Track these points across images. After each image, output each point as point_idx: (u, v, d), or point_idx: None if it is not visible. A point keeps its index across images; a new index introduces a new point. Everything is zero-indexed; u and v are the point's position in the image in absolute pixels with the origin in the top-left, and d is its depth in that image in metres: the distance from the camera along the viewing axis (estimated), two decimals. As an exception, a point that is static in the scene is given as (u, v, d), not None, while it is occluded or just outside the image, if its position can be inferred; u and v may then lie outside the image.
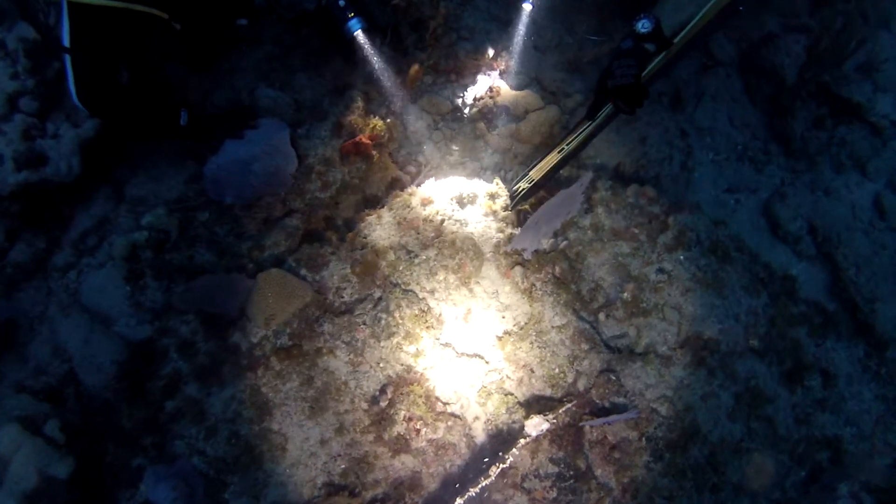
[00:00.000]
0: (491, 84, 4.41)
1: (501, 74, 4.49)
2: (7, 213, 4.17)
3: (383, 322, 3.57)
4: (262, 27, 4.38)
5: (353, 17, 3.83)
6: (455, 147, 4.40)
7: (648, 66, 3.63)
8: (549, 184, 4.04)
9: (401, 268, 3.71)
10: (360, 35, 3.89)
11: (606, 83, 3.46)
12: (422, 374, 3.48)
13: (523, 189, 3.97)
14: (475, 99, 4.43)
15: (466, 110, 4.43)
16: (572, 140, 3.95)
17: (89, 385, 3.94)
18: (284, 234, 3.96)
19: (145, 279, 4.00)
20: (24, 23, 4.05)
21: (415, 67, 4.24)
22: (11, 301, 4.25)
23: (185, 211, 4.13)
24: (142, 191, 4.21)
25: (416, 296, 3.63)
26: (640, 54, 3.41)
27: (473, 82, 4.47)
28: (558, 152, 3.99)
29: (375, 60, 4.08)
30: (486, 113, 4.39)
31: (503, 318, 3.66)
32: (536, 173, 3.99)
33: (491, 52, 4.43)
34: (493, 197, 4.00)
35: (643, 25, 3.34)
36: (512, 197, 4.02)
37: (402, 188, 4.20)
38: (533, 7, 4.20)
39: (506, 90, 4.38)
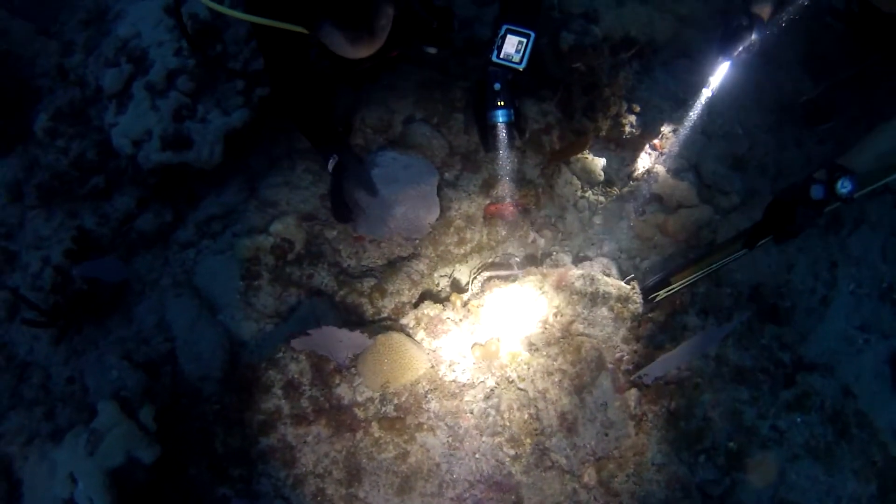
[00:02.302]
0: (650, 166, 4.14)
1: (661, 155, 4.20)
2: (143, 184, 4.11)
3: (491, 419, 3.53)
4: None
5: (501, 107, 3.54)
6: (597, 221, 4.20)
7: None
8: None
9: (520, 359, 3.62)
10: (501, 128, 3.61)
11: (783, 224, 3.23)
12: (517, 483, 3.43)
13: (660, 297, 3.78)
14: (629, 177, 4.18)
15: (618, 186, 4.18)
16: (720, 261, 3.73)
17: (186, 371, 3.99)
18: (409, 282, 3.88)
19: (261, 282, 3.98)
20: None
21: (585, 140, 3.99)
22: (129, 264, 4.23)
23: (313, 225, 4.00)
24: (275, 194, 4.15)
25: (528, 395, 3.56)
26: (823, 208, 3.13)
27: (632, 159, 4.22)
28: (703, 268, 3.77)
29: (507, 158, 3.90)
30: (637, 195, 4.18)
31: (606, 435, 3.57)
32: (675, 280, 3.79)
33: (659, 131, 4.13)
34: (625, 301, 3.82)
35: (843, 185, 3.05)
36: (644, 294, 3.83)
37: (534, 257, 4.02)
38: (713, 94, 3.84)
39: (663, 177, 4.15)
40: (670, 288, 3.75)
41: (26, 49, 4.77)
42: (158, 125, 3.95)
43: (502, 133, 3.66)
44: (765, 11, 3.52)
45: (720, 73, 3.68)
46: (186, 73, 4.03)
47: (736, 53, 3.53)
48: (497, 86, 3.51)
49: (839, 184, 3.00)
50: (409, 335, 3.72)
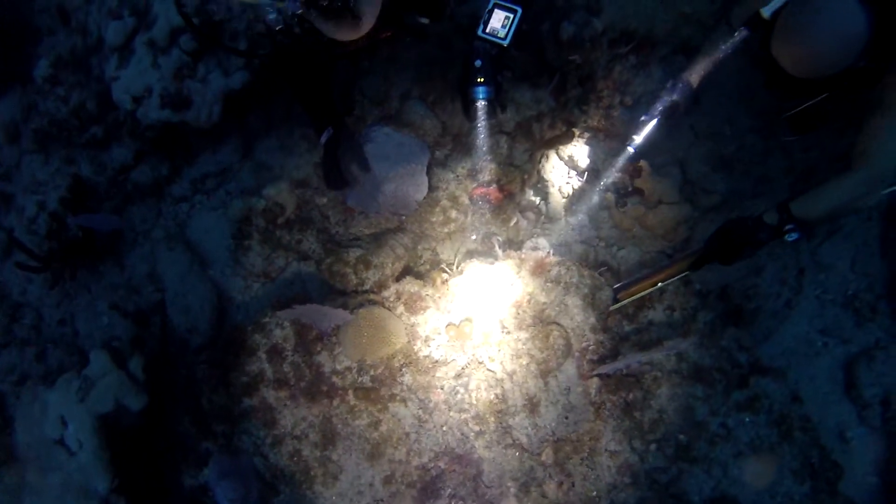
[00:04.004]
0: (635, 160, 4.50)
1: (648, 149, 4.56)
2: (141, 137, 4.44)
3: (459, 396, 3.99)
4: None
5: (482, 83, 3.76)
6: (580, 208, 4.59)
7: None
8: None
9: (491, 340, 4.06)
10: (480, 104, 3.87)
11: (728, 255, 3.73)
12: (479, 456, 3.93)
13: (612, 308, 4.27)
14: (614, 168, 4.55)
15: (603, 176, 4.56)
16: (666, 280, 4.19)
17: (175, 322, 4.42)
18: (393, 256, 4.28)
19: (251, 242, 4.37)
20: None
21: (574, 131, 4.36)
22: (123, 214, 4.61)
23: (305, 191, 4.39)
24: (270, 158, 4.52)
25: (496, 376, 4.02)
26: (763, 247, 3.63)
27: (620, 150, 4.55)
28: (651, 285, 4.23)
29: (485, 135, 4.18)
30: (620, 187, 4.53)
31: (566, 419, 4.06)
32: (623, 297, 4.27)
33: (648, 126, 4.45)
34: (596, 290, 4.25)
35: (790, 236, 3.49)
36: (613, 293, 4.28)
37: (515, 241, 4.43)
38: (635, 151, 4.15)
39: (647, 172, 4.51)
40: (620, 304, 4.23)
41: (25, -17, 5.03)
42: (159, 83, 4.26)
43: (481, 109, 3.92)
44: (693, 77, 3.86)
45: (643, 132, 4.02)
46: (189, 31, 4.29)
47: (657, 113, 3.88)
48: (478, 62, 3.72)
49: (787, 236, 3.46)
50: (389, 309, 4.14)
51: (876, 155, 3.36)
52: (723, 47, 3.57)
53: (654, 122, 3.94)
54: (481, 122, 4.01)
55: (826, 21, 2.97)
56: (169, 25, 4.26)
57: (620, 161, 4.19)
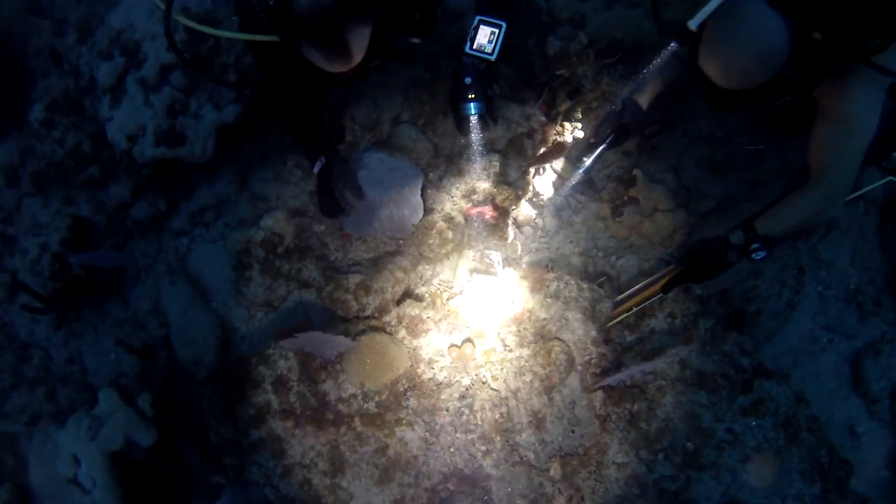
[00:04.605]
0: (629, 169, 4.55)
1: (641, 157, 4.61)
2: (137, 175, 4.51)
3: (465, 417, 4.04)
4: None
5: (472, 100, 3.83)
6: (576, 220, 4.64)
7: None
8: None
9: (493, 359, 4.11)
10: (472, 119, 3.94)
11: (699, 277, 3.84)
12: (487, 475, 3.98)
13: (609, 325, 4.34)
14: (609, 178, 4.60)
15: (598, 185, 4.60)
16: (643, 303, 4.31)
17: (180, 355, 4.48)
18: (393, 280, 4.33)
19: (252, 272, 4.42)
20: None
21: (565, 146, 4.42)
22: (124, 250, 4.68)
23: (302, 220, 4.45)
24: (266, 189, 4.56)
25: (500, 395, 4.06)
26: (731, 266, 3.70)
27: (613, 160, 4.60)
28: (627, 310, 4.34)
29: (479, 149, 4.28)
30: (615, 197, 4.58)
31: (572, 432, 4.10)
32: (613, 316, 4.36)
33: (598, 150, 4.46)
34: (596, 302, 4.30)
35: (757, 255, 3.56)
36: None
37: (513, 257, 4.48)
38: (585, 174, 4.23)
39: (641, 181, 4.55)
40: (610, 323, 4.31)
41: (17, 27, 5.11)
42: (152, 121, 4.33)
43: (473, 124, 3.99)
44: (643, 99, 3.91)
45: (593, 155, 4.06)
46: (179, 68, 4.36)
47: (605, 136, 3.94)
48: (468, 80, 3.79)
49: (754, 255, 3.55)
50: (390, 334, 4.19)
51: (831, 169, 3.42)
52: (657, 62, 3.56)
53: (603, 145, 3.99)
54: (474, 138, 4.09)
55: (746, 32, 2.95)
56: (159, 63, 4.33)
57: (573, 180, 4.25)
